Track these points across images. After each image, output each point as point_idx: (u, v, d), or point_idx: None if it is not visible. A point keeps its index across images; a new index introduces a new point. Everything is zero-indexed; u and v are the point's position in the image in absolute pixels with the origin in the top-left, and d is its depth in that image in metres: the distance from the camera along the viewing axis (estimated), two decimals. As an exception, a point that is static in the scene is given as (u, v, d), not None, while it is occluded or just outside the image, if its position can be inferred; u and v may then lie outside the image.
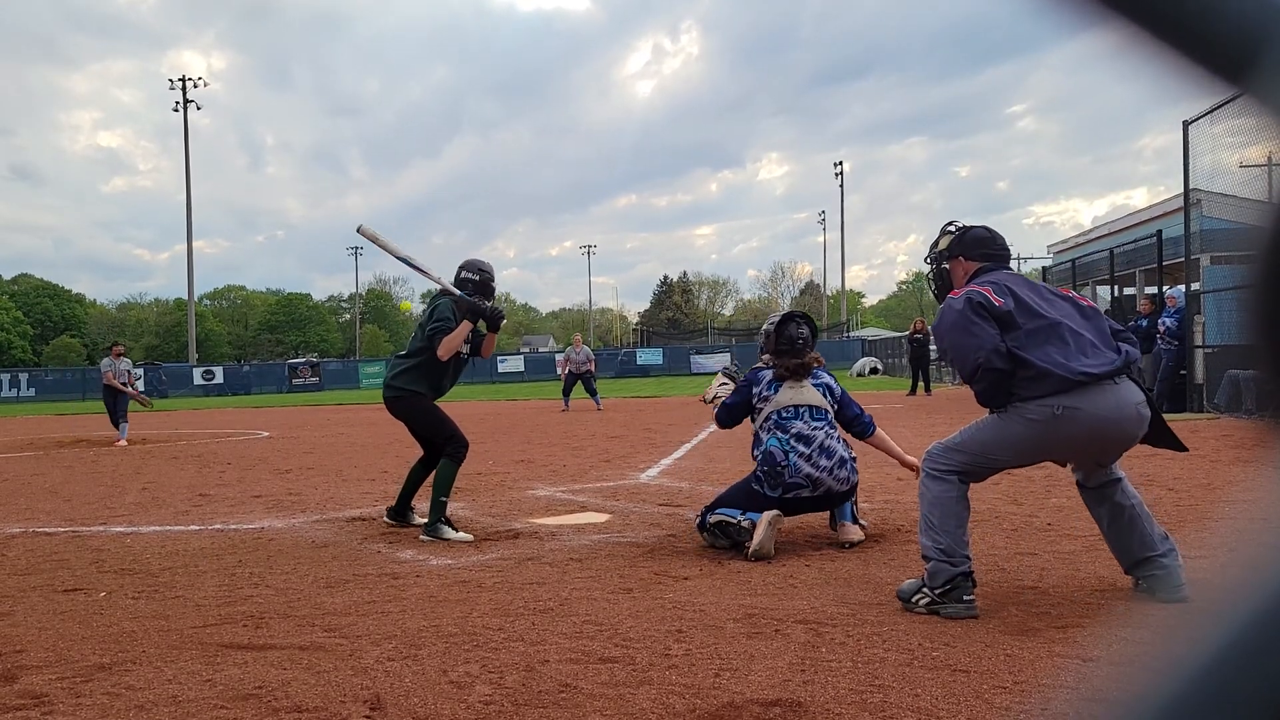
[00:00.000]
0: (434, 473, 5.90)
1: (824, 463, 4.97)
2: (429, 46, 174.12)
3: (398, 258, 6.00)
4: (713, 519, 5.01)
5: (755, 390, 5.25)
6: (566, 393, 21.60)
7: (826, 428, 5.10)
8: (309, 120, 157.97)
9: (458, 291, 5.95)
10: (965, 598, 3.56)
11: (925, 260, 4.34)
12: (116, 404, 15.63)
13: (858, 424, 5.30)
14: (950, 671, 2.90)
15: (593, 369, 21.34)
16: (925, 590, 3.63)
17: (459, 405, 28.15)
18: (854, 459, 5.12)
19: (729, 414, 5.40)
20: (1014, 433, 3.66)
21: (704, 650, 3.21)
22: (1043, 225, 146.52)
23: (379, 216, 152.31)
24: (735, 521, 4.88)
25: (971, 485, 3.83)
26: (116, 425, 15.63)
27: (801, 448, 4.98)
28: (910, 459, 5.12)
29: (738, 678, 2.91)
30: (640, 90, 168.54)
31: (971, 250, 4.06)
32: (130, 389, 15.96)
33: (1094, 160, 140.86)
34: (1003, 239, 4.12)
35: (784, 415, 5.09)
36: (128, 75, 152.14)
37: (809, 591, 4.02)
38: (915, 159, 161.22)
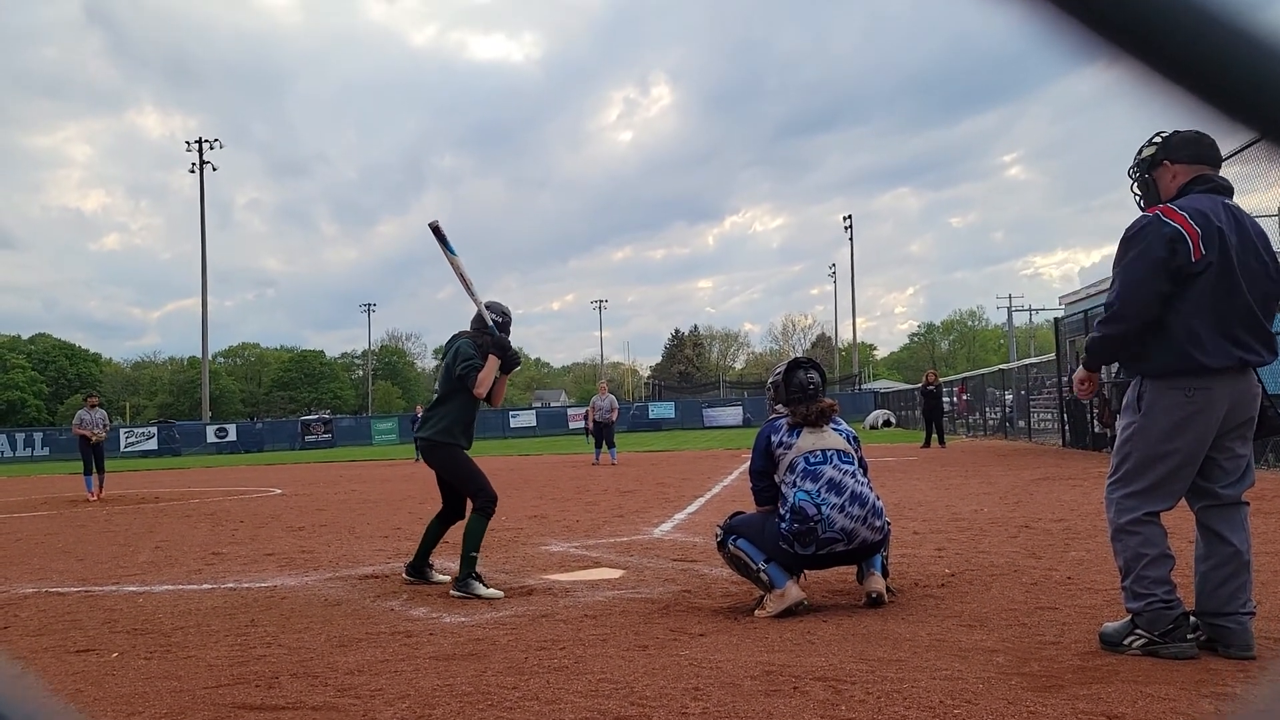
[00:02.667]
0: (464, 527, 5.85)
1: (857, 511, 4.72)
2: (387, 103, 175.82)
3: (454, 268, 5.97)
4: (733, 549, 4.86)
5: (774, 440, 4.96)
6: (597, 445, 21.37)
7: (856, 472, 4.87)
8: (272, 178, 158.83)
9: (490, 322, 5.99)
10: (1189, 636, 3.52)
11: (1129, 173, 3.92)
12: (95, 455, 16.22)
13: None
14: (973, 729, 2.85)
15: (614, 419, 21.24)
16: (1139, 633, 3.57)
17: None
18: (883, 506, 4.91)
19: (761, 480, 4.99)
20: (1155, 419, 3.58)
21: (721, 709, 3.16)
22: (1037, 275, 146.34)
23: (360, 273, 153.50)
24: (755, 568, 4.74)
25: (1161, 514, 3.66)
26: (89, 478, 16.21)
27: (834, 498, 4.71)
28: None
29: (757, 737, 2.86)
30: (616, 143, 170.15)
31: (1178, 153, 3.68)
32: (100, 433, 16.51)
33: (1088, 209, 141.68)
34: (1213, 141, 3.72)
35: (812, 461, 4.81)
36: (98, 136, 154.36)
37: (827, 648, 3.97)
38: (908, 209, 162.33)
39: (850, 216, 76.97)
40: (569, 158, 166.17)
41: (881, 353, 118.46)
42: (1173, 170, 3.71)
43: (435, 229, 5.89)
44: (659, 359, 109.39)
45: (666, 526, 8.85)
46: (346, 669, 3.92)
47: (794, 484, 4.78)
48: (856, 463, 4.95)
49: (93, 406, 16.66)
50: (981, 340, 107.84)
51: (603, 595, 5.43)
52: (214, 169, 63.44)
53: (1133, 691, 3.16)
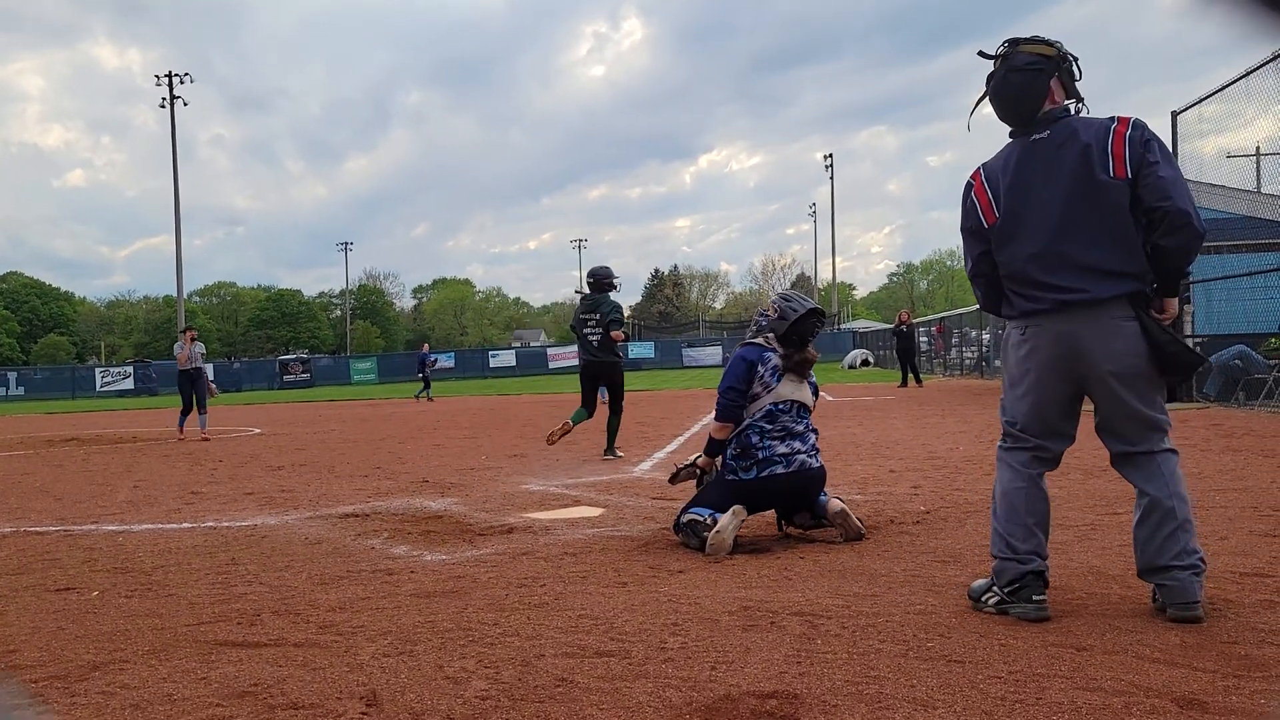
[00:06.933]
0: (607, 422, 9.93)
1: (798, 445, 4.98)
2: (349, 36, 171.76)
3: None
4: (685, 519, 4.97)
5: (760, 370, 5.04)
6: None
7: (808, 425, 5.13)
8: (233, 114, 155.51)
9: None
10: (1035, 597, 3.32)
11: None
12: (195, 391, 14.95)
13: None
14: (945, 662, 2.91)
15: None
16: (994, 589, 3.45)
17: (451, 400, 28.10)
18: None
19: (738, 398, 5.02)
20: (1009, 364, 3.56)
21: (700, 643, 3.21)
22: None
23: (329, 209, 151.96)
24: (703, 520, 4.84)
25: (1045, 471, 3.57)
26: (184, 417, 14.96)
27: (777, 432, 4.96)
28: None
29: (734, 670, 2.91)
30: (588, 78, 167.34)
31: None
32: (205, 378, 15.32)
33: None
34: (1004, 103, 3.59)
35: (780, 408, 4.99)
36: (52, 68, 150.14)
37: (804, 584, 4.03)
38: (886, 148, 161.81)
39: (831, 155, 76.65)
40: (540, 93, 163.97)
41: (860, 292, 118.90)
42: None
43: None
44: (638, 299, 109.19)
45: (646, 465, 8.91)
46: (328, 606, 3.94)
47: (752, 418, 4.99)
48: (808, 420, 5.16)
49: (192, 340, 15.28)
50: (960, 280, 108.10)
51: (583, 533, 5.48)
52: (185, 104, 62.05)
53: (1101, 624, 3.23)
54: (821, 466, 5.07)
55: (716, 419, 5.14)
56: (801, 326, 5.11)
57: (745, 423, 5.01)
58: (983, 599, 3.49)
